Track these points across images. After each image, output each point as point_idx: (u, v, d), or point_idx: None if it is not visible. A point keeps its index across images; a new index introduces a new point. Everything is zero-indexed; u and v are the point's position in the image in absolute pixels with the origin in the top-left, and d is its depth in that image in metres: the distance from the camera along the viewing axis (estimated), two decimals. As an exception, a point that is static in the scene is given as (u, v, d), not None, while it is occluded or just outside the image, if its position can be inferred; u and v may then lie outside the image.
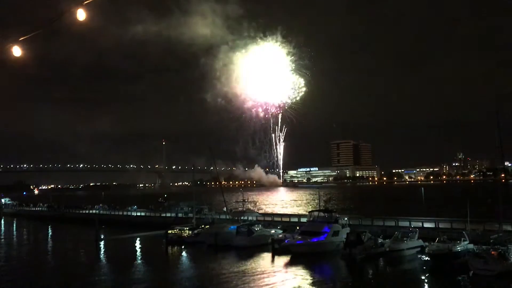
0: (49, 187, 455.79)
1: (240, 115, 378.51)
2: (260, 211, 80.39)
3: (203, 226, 58.42)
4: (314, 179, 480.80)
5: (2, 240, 72.02)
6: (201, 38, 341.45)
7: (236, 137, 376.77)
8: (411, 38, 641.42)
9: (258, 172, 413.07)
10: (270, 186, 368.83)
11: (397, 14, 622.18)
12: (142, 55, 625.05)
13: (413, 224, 48.82)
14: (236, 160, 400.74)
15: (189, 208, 75.23)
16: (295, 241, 45.53)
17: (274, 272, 38.56)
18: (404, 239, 42.36)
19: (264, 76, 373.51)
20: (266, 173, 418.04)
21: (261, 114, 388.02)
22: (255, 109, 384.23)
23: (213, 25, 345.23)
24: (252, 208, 77.15)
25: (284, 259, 43.11)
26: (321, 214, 51.07)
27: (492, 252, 33.55)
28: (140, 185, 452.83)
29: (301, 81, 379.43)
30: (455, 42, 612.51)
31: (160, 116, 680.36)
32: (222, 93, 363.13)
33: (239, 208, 71.82)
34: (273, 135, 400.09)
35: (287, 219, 62.42)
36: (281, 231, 52.67)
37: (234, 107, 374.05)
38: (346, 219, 51.81)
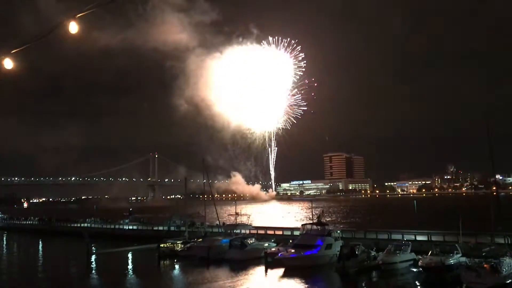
0: (40, 200, 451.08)
1: (216, 123, 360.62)
2: (253, 224, 79.93)
3: (195, 239, 57.99)
4: (307, 192, 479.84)
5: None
6: (173, 44, 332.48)
7: (212, 147, 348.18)
8: (403, 52, 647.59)
9: (237, 182, 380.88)
10: (253, 200, 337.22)
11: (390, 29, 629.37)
12: (127, 68, 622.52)
13: (406, 237, 48.81)
14: (215, 171, 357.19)
15: (182, 222, 74.74)
16: (288, 255, 45.26)
17: (267, 285, 38.30)
18: (397, 252, 42.30)
19: (244, 84, 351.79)
20: (248, 184, 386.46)
21: (236, 118, 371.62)
22: (231, 115, 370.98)
23: (186, 31, 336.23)
24: (245, 222, 76.75)
25: (277, 272, 42.85)
26: (314, 227, 50.93)
27: (485, 265, 33.55)
28: (133, 198, 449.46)
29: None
30: (447, 55, 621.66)
31: (147, 130, 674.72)
32: (195, 101, 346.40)
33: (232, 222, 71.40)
34: (268, 149, 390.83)
35: (280, 232, 62.09)
36: (275, 245, 52.42)
37: (210, 115, 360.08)
38: (339, 232, 51.72)
